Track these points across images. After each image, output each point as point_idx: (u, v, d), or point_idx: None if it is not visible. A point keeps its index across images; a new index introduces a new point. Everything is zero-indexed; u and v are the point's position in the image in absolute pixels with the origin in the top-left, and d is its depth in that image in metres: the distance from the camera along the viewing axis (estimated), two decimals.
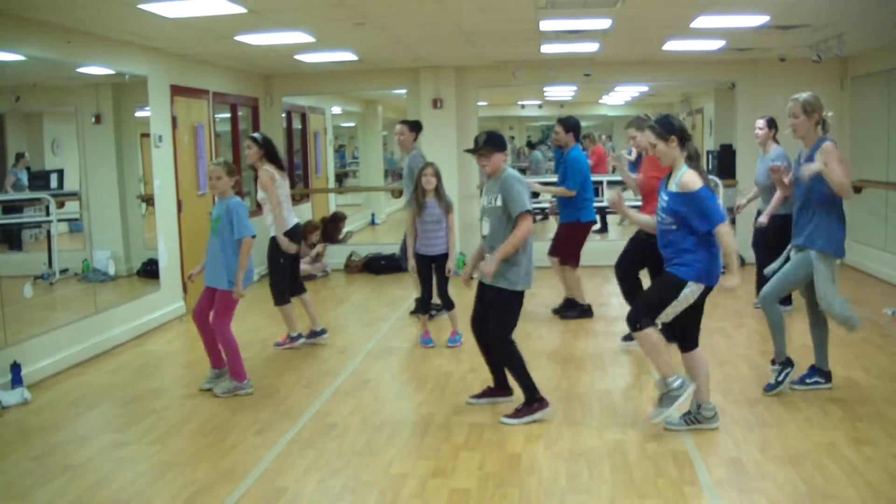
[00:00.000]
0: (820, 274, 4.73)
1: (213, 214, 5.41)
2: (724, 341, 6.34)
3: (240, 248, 5.26)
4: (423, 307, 6.57)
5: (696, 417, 4.44)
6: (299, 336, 6.58)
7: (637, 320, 4.34)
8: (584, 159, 7.29)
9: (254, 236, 5.32)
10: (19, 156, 6.96)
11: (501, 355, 4.82)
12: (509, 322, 4.73)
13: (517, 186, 4.64)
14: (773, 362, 5.10)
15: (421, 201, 6.27)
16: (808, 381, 5.07)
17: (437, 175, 6.28)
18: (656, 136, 4.25)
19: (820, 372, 5.08)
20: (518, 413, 4.70)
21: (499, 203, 4.66)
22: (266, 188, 6.22)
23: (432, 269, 6.40)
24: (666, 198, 4.28)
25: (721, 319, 6.94)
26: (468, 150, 4.85)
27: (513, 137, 21.13)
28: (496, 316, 4.72)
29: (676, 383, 4.34)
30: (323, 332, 6.71)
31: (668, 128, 4.24)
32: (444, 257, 6.35)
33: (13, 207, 7.14)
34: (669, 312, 4.30)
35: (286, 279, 6.42)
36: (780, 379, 5.02)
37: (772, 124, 6.80)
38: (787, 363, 5.04)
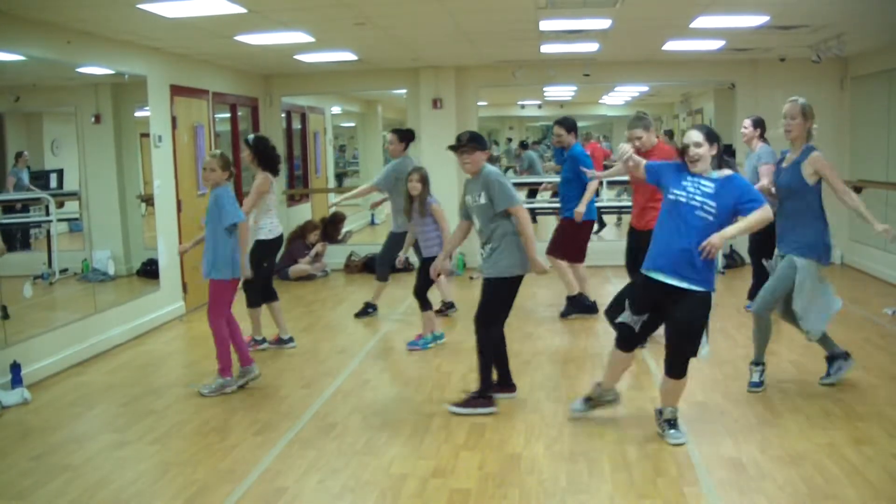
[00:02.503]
0: (806, 282, 4.78)
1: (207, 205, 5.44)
2: (724, 341, 6.34)
3: (240, 231, 5.38)
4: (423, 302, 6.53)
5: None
6: (264, 340, 6.52)
7: (696, 352, 4.22)
8: (587, 155, 7.35)
9: (243, 221, 5.41)
10: (18, 154, 6.95)
11: (483, 340, 4.91)
12: (503, 308, 4.96)
13: (501, 183, 4.79)
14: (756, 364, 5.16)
15: (407, 207, 6.33)
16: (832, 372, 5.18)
17: (424, 180, 6.24)
18: (705, 136, 4.15)
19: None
20: (468, 403, 4.88)
21: (483, 201, 4.80)
22: (255, 191, 6.13)
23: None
24: (712, 185, 4.10)
25: (721, 319, 6.93)
26: (451, 147, 4.93)
27: (510, 140, 21.07)
28: (486, 302, 4.90)
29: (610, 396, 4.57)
30: (291, 340, 6.59)
31: (714, 137, 4.20)
32: (432, 260, 6.25)
33: (19, 207, 7.11)
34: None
35: (261, 283, 6.36)
36: (763, 379, 5.12)
37: (758, 124, 6.90)
38: (763, 365, 5.14)
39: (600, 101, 18.01)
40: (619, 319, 4.36)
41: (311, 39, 7.40)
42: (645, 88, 14.64)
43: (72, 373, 6.04)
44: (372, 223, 15.23)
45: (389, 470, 4.07)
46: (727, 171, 4.19)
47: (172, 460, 4.27)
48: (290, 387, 5.52)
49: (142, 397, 5.39)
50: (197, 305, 8.26)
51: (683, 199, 4.12)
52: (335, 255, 10.57)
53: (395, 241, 7.28)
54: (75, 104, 7.36)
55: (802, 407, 4.79)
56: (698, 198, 4.09)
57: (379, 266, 7.50)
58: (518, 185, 12.14)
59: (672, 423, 4.34)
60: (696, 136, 4.17)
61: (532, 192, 13.11)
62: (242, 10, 5.83)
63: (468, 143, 4.83)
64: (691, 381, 5.29)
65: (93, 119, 7.43)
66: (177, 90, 8.00)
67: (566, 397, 5.12)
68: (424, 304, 6.42)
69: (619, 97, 16.76)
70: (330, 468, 4.11)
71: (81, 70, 7.00)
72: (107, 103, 7.53)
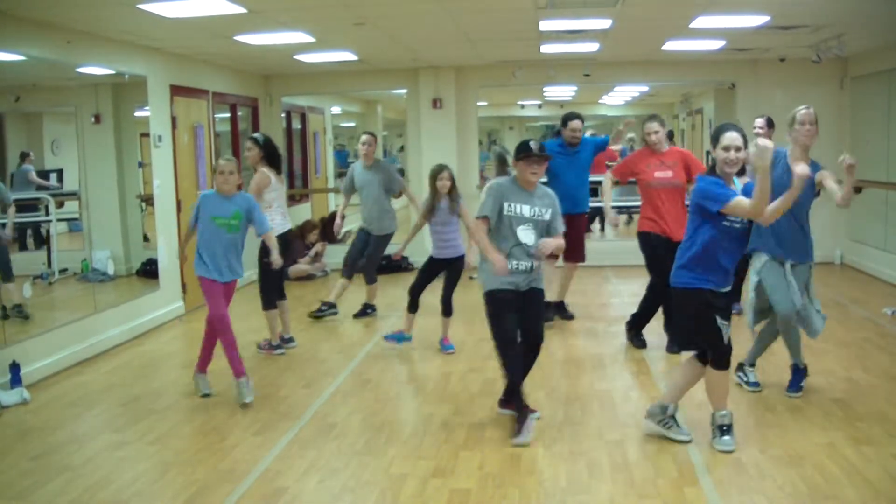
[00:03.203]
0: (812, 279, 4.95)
1: (225, 211, 5.20)
2: None
3: (267, 241, 5.59)
4: (412, 305, 6.40)
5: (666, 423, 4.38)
6: (279, 346, 6.44)
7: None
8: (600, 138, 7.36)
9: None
10: (25, 155, 6.94)
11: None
12: None
13: (559, 205, 4.68)
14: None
15: (433, 205, 6.15)
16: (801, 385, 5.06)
17: (454, 179, 6.20)
18: (743, 139, 4.08)
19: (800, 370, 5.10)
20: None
21: (547, 217, 4.57)
22: (257, 191, 6.09)
23: (440, 272, 6.32)
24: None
25: None
26: (537, 154, 4.47)
27: (494, 141, 20.88)
28: (542, 315, 4.76)
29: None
30: (291, 339, 6.57)
31: (745, 138, 4.17)
32: (458, 260, 6.25)
33: (28, 206, 7.10)
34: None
35: (275, 283, 6.38)
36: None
37: (771, 124, 6.76)
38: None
39: (600, 101, 18.01)
40: (728, 336, 4.14)
41: (311, 39, 7.39)
42: (645, 88, 14.64)
43: (71, 373, 6.04)
44: None
45: (389, 470, 4.06)
46: (744, 179, 4.17)
47: (172, 460, 4.27)
48: (290, 387, 5.52)
49: (142, 397, 5.39)
50: (196, 305, 8.25)
51: (738, 226, 4.05)
52: (335, 255, 10.56)
53: (379, 243, 7.38)
54: (75, 104, 7.36)
55: (802, 407, 4.79)
56: (739, 220, 4.06)
57: (369, 270, 7.49)
58: None
59: (726, 429, 4.28)
60: (737, 139, 4.02)
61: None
62: (242, 10, 5.83)
63: (546, 154, 4.59)
64: None
65: (93, 119, 7.43)
66: (177, 90, 8.01)
67: (566, 397, 5.12)
68: (448, 311, 6.32)
69: (619, 97, 16.76)
70: (330, 468, 4.10)
71: (81, 70, 7.00)
72: (107, 103, 7.53)
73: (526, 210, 4.53)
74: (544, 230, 4.57)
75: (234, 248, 5.30)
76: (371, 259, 7.49)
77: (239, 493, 3.83)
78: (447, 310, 6.33)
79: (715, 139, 4.11)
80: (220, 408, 5.12)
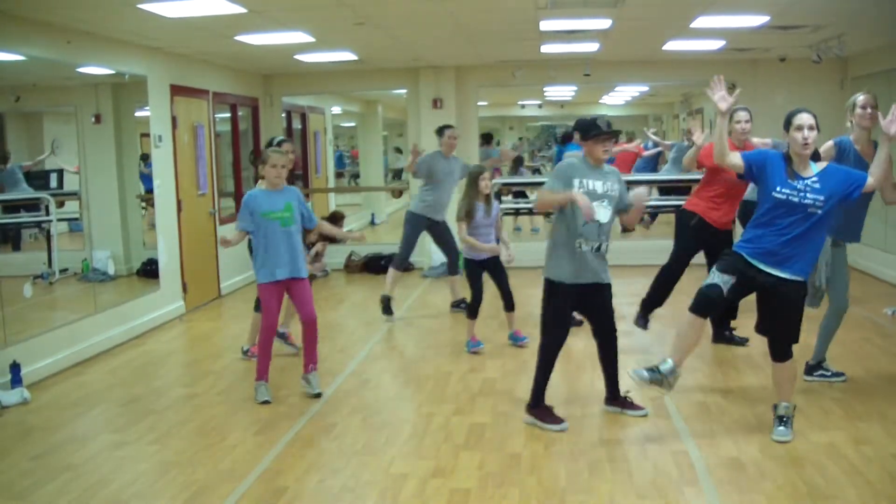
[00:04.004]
0: None
1: (277, 205, 5.07)
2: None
3: (314, 231, 5.58)
4: (473, 312, 6.25)
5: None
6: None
7: (797, 337, 4.26)
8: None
9: None
10: (6, 157, 6.85)
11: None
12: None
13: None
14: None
15: (472, 207, 6.03)
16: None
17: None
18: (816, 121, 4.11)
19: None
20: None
21: (616, 192, 4.52)
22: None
23: (485, 272, 6.23)
24: (816, 179, 4.03)
25: None
26: (608, 132, 4.45)
27: (498, 142, 20.89)
28: (611, 309, 4.73)
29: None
30: (293, 344, 6.37)
31: None
32: (496, 257, 6.21)
33: (28, 206, 7.09)
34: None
35: None
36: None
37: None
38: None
39: (600, 101, 17.99)
40: (709, 281, 4.17)
41: (311, 39, 7.40)
42: (645, 88, 14.64)
43: (72, 373, 6.04)
44: (372, 223, 15.23)
45: (389, 470, 4.07)
46: (822, 163, 4.17)
47: (172, 460, 4.27)
48: (291, 387, 5.51)
49: (142, 397, 5.39)
50: (197, 305, 8.26)
51: (795, 199, 4.03)
52: (335, 255, 10.57)
53: (449, 229, 7.46)
54: (75, 104, 7.36)
55: (802, 407, 4.78)
56: (809, 195, 4.02)
57: (455, 259, 7.46)
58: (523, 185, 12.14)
59: (784, 420, 4.31)
60: (809, 118, 4.07)
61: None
62: (242, 10, 5.83)
63: (616, 130, 4.58)
64: (690, 380, 5.30)
65: (93, 119, 7.43)
66: (177, 90, 8.01)
67: (566, 397, 5.12)
68: (512, 304, 6.32)
69: (620, 97, 16.75)
70: (330, 468, 4.11)
71: (81, 70, 7.00)
72: (107, 103, 7.53)
73: (599, 186, 4.45)
74: (615, 206, 4.53)
75: (292, 241, 5.13)
76: (455, 247, 7.37)
77: (239, 493, 3.83)
78: (510, 304, 6.29)
79: (787, 122, 4.17)
80: (220, 408, 5.12)
